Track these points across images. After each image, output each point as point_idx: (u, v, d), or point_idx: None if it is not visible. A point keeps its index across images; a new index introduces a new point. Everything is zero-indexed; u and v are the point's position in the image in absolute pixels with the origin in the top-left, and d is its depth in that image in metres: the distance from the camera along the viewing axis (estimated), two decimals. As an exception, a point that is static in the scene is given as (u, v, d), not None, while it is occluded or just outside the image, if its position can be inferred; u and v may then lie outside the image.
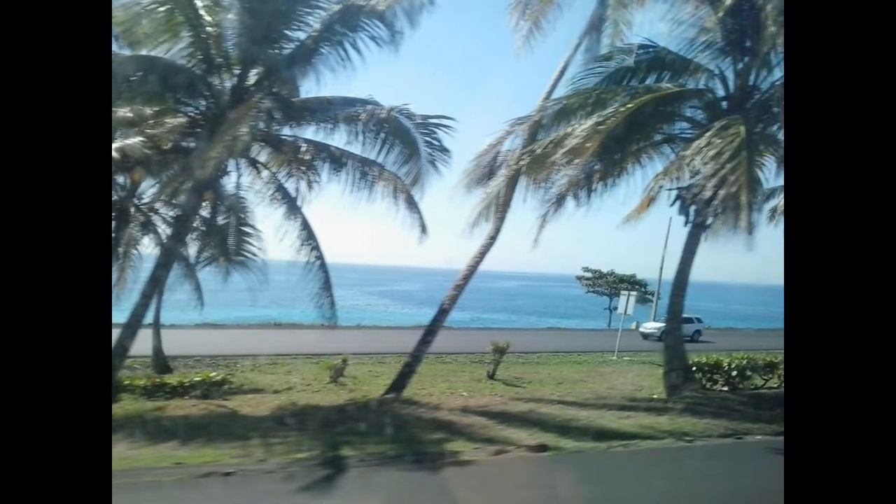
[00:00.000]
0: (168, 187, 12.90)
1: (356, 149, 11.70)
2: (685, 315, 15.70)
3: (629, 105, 10.95)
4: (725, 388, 13.62)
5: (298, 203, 11.75)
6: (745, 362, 14.08)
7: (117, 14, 9.26)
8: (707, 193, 9.56)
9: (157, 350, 15.94)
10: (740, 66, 11.86)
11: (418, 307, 51.14)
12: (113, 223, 13.67)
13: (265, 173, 11.95)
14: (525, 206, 13.15)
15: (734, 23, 11.35)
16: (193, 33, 10.16)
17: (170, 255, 11.68)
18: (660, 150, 13.19)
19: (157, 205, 14.77)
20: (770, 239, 14.52)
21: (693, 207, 11.77)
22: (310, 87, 11.14)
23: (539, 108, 12.62)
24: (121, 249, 14.41)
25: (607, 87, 12.04)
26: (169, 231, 14.20)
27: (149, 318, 12.75)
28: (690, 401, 11.57)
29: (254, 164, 11.82)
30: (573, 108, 11.91)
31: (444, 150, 12.00)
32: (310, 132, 11.73)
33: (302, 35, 10.75)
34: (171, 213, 14.44)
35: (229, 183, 11.94)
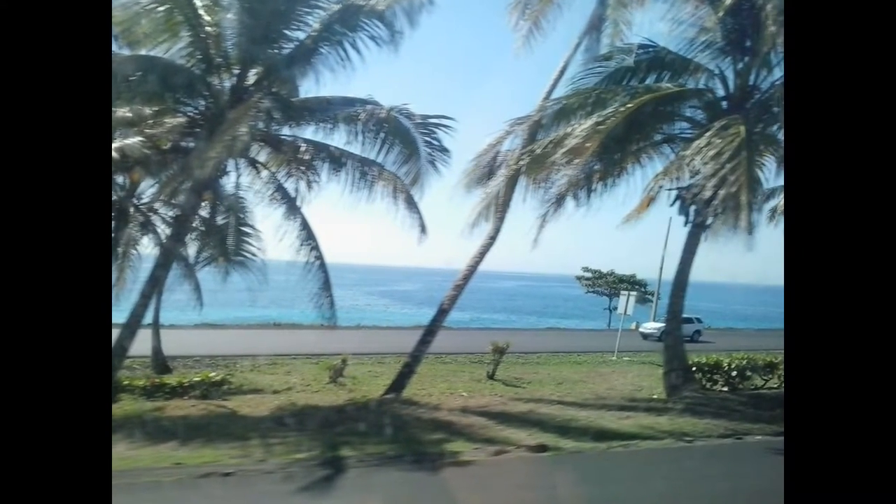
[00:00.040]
0: (167, 187, 12.88)
1: (356, 149, 11.72)
2: (685, 315, 15.69)
3: (629, 105, 10.94)
4: (725, 389, 13.61)
5: (298, 203, 11.75)
6: (745, 362, 14.07)
7: (116, 14, 9.26)
8: (707, 193, 9.55)
9: (157, 350, 15.93)
10: (740, 65, 11.85)
11: (418, 307, 51.12)
12: (112, 223, 13.66)
13: (264, 173, 11.94)
14: (525, 206, 13.17)
15: (734, 22, 11.35)
16: (193, 33, 10.15)
17: (169, 255, 11.67)
18: (660, 150, 13.19)
19: (157, 205, 14.76)
20: (770, 239, 14.53)
21: (693, 207, 11.77)
22: (309, 87, 11.15)
23: (539, 107, 12.62)
24: (120, 249, 14.40)
25: (607, 86, 12.03)
26: (168, 231, 14.19)
27: (148, 318, 12.74)
28: (690, 401, 11.56)
29: (253, 163, 11.81)
30: (573, 107, 11.90)
31: (444, 150, 12.01)
32: (309, 132, 11.76)
33: (301, 35, 10.75)
34: (171, 213, 14.43)
35: (228, 183, 11.95)
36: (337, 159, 11.64)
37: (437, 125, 11.93)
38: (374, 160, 11.76)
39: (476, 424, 9.49)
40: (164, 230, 14.79)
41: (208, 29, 10.36)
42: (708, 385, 13.65)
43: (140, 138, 10.44)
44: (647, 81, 12.22)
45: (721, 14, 10.89)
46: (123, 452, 7.22)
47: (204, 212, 12.37)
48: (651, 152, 13.13)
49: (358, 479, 7.01)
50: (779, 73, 11.43)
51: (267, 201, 11.84)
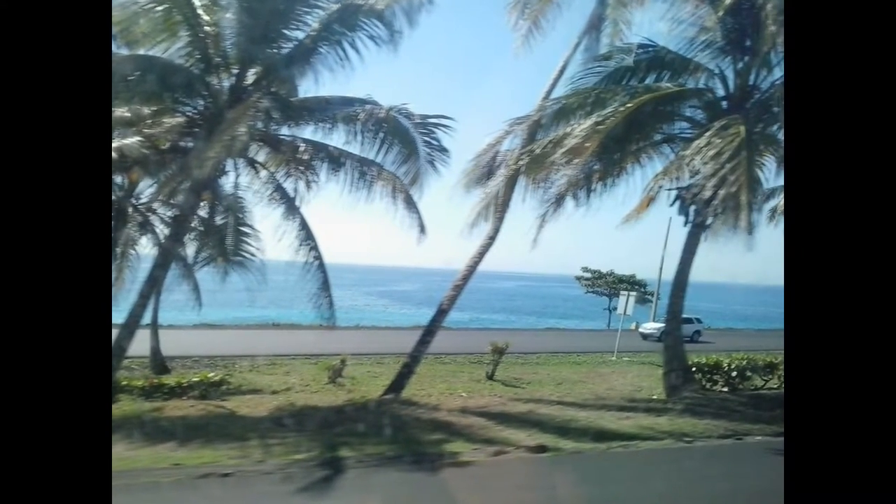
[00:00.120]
0: (166, 187, 12.85)
1: (355, 148, 11.71)
2: (685, 315, 15.68)
3: (629, 105, 10.93)
4: (725, 389, 13.59)
5: (297, 203, 11.74)
6: (744, 363, 14.05)
7: (115, 13, 9.23)
8: (707, 193, 9.54)
9: (155, 350, 15.92)
10: (740, 65, 11.84)
11: (417, 307, 51.13)
12: (111, 223, 13.63)
13: (263, 173, 11.93)
14: (524, 206, 13.15)
15: (734, 22, 11.33)
16: (191, 33, 10.14)
17: (168, 255, 11.66)
18: (659, 150, 13.17)
19: (155, 205, 14.74)
20: (770, 239, 14.49)
21: (693, 207, 11.75)
22: (308, 87, 11.14)
23: (538, 107, 12.60)
24: (119, 249, 14.39)
25: (607, 86, 12.02)
26: (167, 231, 14.18)
27: (147, 318, 12.73)
28: (690, 401, 11.55)
29: (252, 163, 11.80)
30: (572, 107, 11.89)
31: (443, 150, 12.00)
32: (308, 132, 11.74)
33: (300, 34, 10.73)
34: (169, 213, 14.42)
35: (227, 183, 11.96)
36: (336, 159, 11.63)
37: (436, 125, 11.92)
38: (373, 160, 11.75)
39: (475, 425, 9.48)
40: (162, 230, 14.79)
41: (207, 28, 10.34)
42: (708, 385, 13.64)
43: (139, 138, 10.42)
44: (647, 81, 12.21)
45: (721, 13, 10.88)
46: (122, 453, 7.20)
47: (203, 212, 12.37)
48: (651, 152, 13.12)
49: (357, 479, 7.00)
50: (779, 72, 11.43)
51: (266, 201, 11.85)
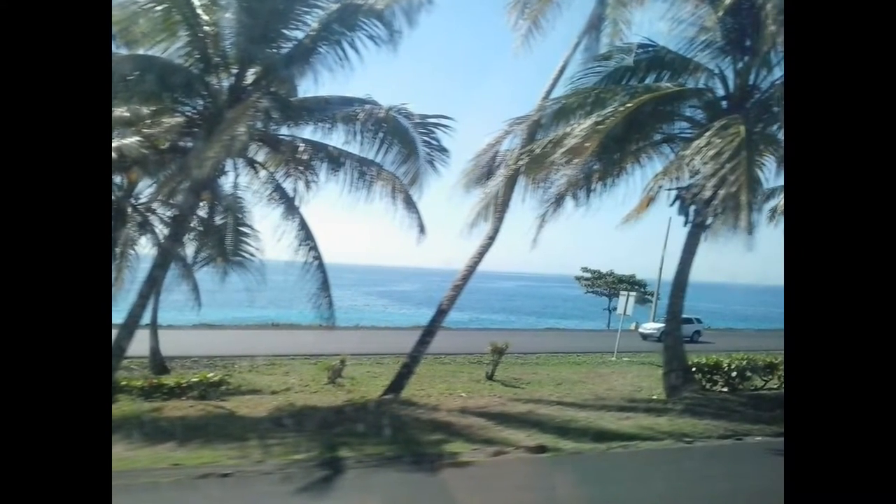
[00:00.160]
0: (165, 187, 12.84)
1: (354, 148, 11.69)
2: (685, 315, 15.68)
3: (628, 104, 10.91)
4: (725, 389, 13.58)
5: (296, 203, 11.73)
6: (744, 363, 14.03)
7: (114, 13, 9.22)
8: (707, 193, 9.52)
9: (155, 351, 15.91)
10: (740, 65, 11.83)
11: (416, 308, 51.13)
12: (111, 223, 13.63)
13: (263, 173, 11.91)
14: (524, 206, 13.14)
15: (734, 22, 11.32)
16: (191, 32, 10.13)
17: (167, 255, 11.65)
18: (659, 150, 13.16)
19: (155, 205, 14.74)
20: (770, 239, 14.46)
21: (693, 207, 11.74)
22: (308, 87, 11.13)
23: (538, 107, 12.59)
24: (118, 249, 14.39)
25: (606, 86, 12.00)
26: (166, 231, 14.17)
27: (146, 318, 12.71)
28: (690, 402, 11.54)
29: (251, 163, 11.79)
30: (572, 107, 11.87)
31: (443, 150, 11.98)
32: (308, 132, 11.73)
33: (300, 34, 10.72)
34: (169, 213, 14.41)
35: (227, 183, 11.96)
36: (335, 159, 11.62)
37: (435, 125, 11.90)
38: (372, 160, 11.73)
39: (475, 425, 9.47)
40: (162, 230, 14.78)
41: (206, 28, 10.33)
42: (708, 386, 13.63)
43: (138, 138, 10.42)
44: (647, 81, 12.19)
45: (721, 13, 10.87)
46: (121, 453, 7.19)
47: (202, 212, 12.36)
48: (651, 152, 13.11)
49: (356, 479, 6.99)
50: (779, 72, 11.42)
51: (265, 201, 11.84)
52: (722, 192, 9.26)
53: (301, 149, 11.62)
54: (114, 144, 9.97)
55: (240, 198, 12.21)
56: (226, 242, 12.30)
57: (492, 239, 12.90)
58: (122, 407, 10.38)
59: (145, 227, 14.99)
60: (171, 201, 13.45)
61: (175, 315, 20.98)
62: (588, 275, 45.31)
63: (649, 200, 13.87)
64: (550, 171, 12.01)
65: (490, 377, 15.97)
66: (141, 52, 10.08)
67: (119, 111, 10.29)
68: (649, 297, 36.71)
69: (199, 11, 10.23)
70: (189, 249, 13.81)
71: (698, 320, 29.76)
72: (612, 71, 12.19)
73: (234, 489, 6.56)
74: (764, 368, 14.24)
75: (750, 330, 40.43)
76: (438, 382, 14.85)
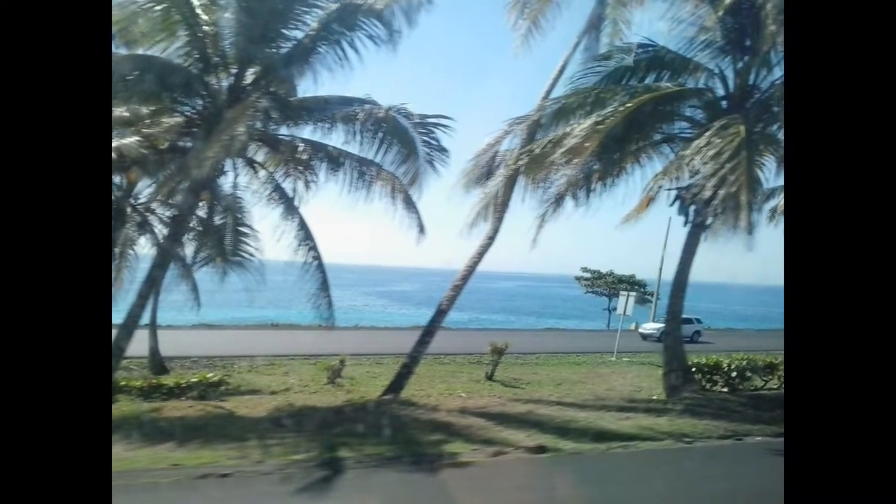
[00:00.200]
0: (165, 187, 12.83)
1: (354, 148, 11.68)
2: (684, 316, 15.67)
3: (628, 104, 10.91)
4: (725, 390, 13.57)
5: (296, 203, 11.72)
6: (744, 363, 14.03)
7: (114, 13, 9.21)
8: (707, 193, 9.52)
9: (154, 351, 15.91)
10: (740, 65, 11.82)
11: (416, 308, 51.14)
12: (111, 223, 13.62)
13: (262, 173, 11.90)
14: (523, 206, 13.13)
15: (734, 21, 11.32)
16: (190, 32, 10.12)
17: (166, 255, 11.64)
18: (659, 150, 13.16)
19: (154, 205, 14.73)
20: (770, 239, 14.45)
21: (693, 207, 11.74)
22: (307, 87, 11.12)
23: (538, 107, 12.58)
24: (117, 249, 14.38)
25: (606, 86, 12.00)
26: (165, 231, 14.16)
27: (145, 318, 12.71)
28: (690, 402, 11.53)
29: (251, 163, 11.77)
30: (572, 107, 11.87)
31: (443, 150, 11.97)
32: (307, 132, 11.72)
33: (299, 34, 10.71)
34: (168, 213, 14.40)
35: (226, 183, 11.94)
36: (335, 159, 11.61)
37: (435, 125, 11.90)
38: (372, 160, 11.72)
39: (475, 425, 9.46)
40: (161, 230, 14.77)
41: (206, 28, 10.33)
42: (708, 386, 13.62)
43: (137, 138, 10.41)
44: (647, 81, 12.19)
45: (721, 13, 10.86)
46: (121, 453, 7.18)
47: (201, 212, 12.34)
48: (650, 152, 13.10)
49: (356, 480, 6.98)
50: (779, 72, 11.41)
51: (265, 201, 11.83)
52: (722, 192, 9.25)
53: (300, 149, 11.61)
54: (114, 144, 9.96)
55: (239, 198, 12.21)
56: (225, 242, 12.30)
57: (491, 239, 12.89)
58: (121, 407, 10.37)
59: (145, 227, 14.98)
60: (170, 201, 13.44)
61: (174, 315, 20.98)
62: (588, 275, 45.32)
63: (649, 200, 13.87)
64: (550, 171, 12.00)
65: (490, 377, 15.96)
66: (140, 51, 10.07)
67: (118, 111, 10.29)
68: (649, 297, 36.72)
69: (199, 11, 10.23)
70: (188, 249, 13.81)
71: (698, 320, 29.77)
72: (611, 71, 12.18)
73: (234, 489, 6.55)
74: (764, 368, 14.23)
75: (750, 330, 40.46)
76: (438, 383, 14.84)
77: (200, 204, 11.88)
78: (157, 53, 10.10)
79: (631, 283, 40.67)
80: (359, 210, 12.55)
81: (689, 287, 13.07)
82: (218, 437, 8.27)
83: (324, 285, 11.63)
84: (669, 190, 12.72)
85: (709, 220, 11.15)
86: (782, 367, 13.94)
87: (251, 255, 12.33)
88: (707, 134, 10.07)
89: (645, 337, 28.97)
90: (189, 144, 10.80)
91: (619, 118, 10.76)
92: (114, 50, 9.81)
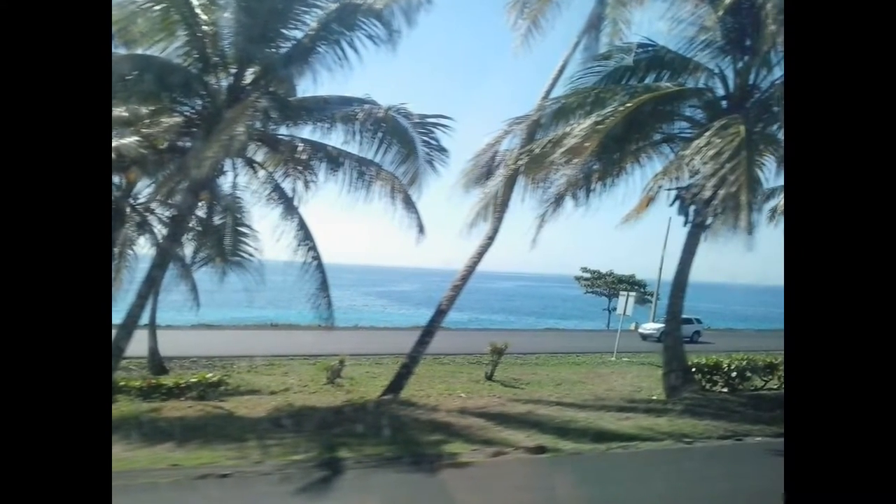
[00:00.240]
0: (164, 187, 12.81)
1: (353, 148, 11.68)
2: (684, 316, 15.66)
3: (628, 104, 10.90)
4: (725, 390, 13.58)
5: (295, 203, 11.71)
6: (744, 363, 14.03)
7: (113, 13, 9.20)
8: (707, 193, 9.51)
9: (153, 351, 15.90)
10: (740, 64, 11.82)
11: (416, 308, 51.12)
12: (111, 223, 13.60)
13: (262, 173, 11.90)
14: (523, 206, 13.13)
15: (734, 21, 11.32)
16: (189, 32, 10.11)
17: (166, 255, 11.64)
18: (659, 150, 13.15)
19: (153, 205, 14.71)
20: (770, 239, 14.45)
21: (693, 207, 11.74)
22: (307, 87, 11.13)
23: (537, 107, 12.58)
24: (117, 250, 14.36)
25: (606, 86, 12.00)
26: (165, 231, 14.14)
27: (145, 318, 12.70)
28: (690, 402, 11.53)
29: (250, 163, 11.77)
30: (572, 107, 11.87)
31: (442, 150, 11.97)
32: (307, 132, 11.72)
33: (299, 34, 10.71)
34: (167, 213, 14.38)
35: (226, 183, 11.94)
36: (334, 159, 11.60)
37: (435, 125, 11.89)
38: (371, 160, 11.72)
39: (474, 426, 9.46)
40: (160, 230, 14.75)
41: (205, 28, 10.32)
42: (707, 386, 13.62)
43: (136, 138, 10.39)
44: (647, 81, 12.19)
45: (721, 13, 10.87)
46: (120, 454, 7.17)
47: (201, 212, 12.33)
48: (650, 152, 13.09)
49: (356, 480, 6.98)
50: (779, 72, 11.41)
51: (264, 201, 11.82)
52: (722, 192, 9.25)
53: (300, 149, 11.60)
54: (113, 144, 9.95)
55: (239, 198, 12.20)
56: (224, 242, 12.28)
57: (491, 239, 12.89)
58: (120, 407, 10.37)
59: (144, 227, 14.96)
60: (169, 201, 13.42)
61: (174, 315, 20.97)
62: (588, 275, 45.32)
63: (649, 200, 13.86)
64: (550, 170, 11.99)
65: (489, 377, 15.96)
66: (140, 51, 10.06)
67: (118, 111, 10.28)
68: (649, 297, 36.72)
69: (198, 11, 10.22)
70: (188, 249, 13.79)
71: (698, 320, 29.77)
72: (611, 71, 12.19)
73: (233, 490, 6.55)
74: (764, 369, 14.24)
75: (750, 330, 40.48)
76: (438, 383, 14.84)
77: (200, 204, 11.87)
78: (156, 53, 10.10)
79: (631, 283, 40.68)
80: (358, 210, 12.56)
81: (689, 287, 13.07)
82: (217, 438, 8.27)
83: (323, 285, 11.63)
84: (669, 190, 12.72)
85: (709, 220, 11.15)
86: (782, 368, 13.94)
87: (250, 255, 12.32)
88: (707, 134, 10.07)
89: (645, 337, 28.97)
90: (188, 144, 10.79)
91: (619, 118, 10.75)
92: (113, 50, 9.81)
